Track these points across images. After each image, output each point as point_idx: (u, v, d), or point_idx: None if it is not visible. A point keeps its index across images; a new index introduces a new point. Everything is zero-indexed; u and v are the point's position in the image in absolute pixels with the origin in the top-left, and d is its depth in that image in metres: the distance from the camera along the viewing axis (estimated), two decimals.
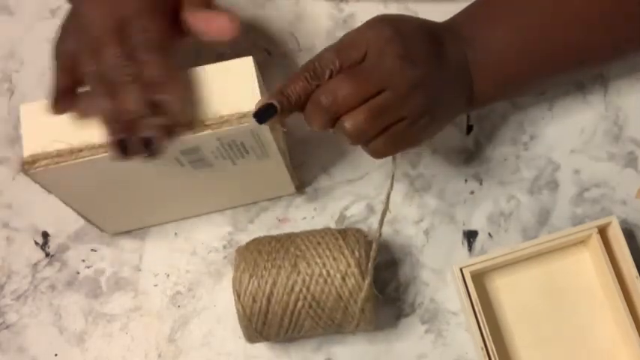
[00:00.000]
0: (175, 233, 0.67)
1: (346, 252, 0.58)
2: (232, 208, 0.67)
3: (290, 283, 0.57)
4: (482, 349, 0.59)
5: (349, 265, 0.57)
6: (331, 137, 0.69)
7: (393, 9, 0.72)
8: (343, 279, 0.57)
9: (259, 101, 0.52)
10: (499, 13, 0.60)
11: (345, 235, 0.59)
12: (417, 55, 0.54)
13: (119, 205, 0.62)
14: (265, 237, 0.61)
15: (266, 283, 0.57)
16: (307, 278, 0.57)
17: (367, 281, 0.57)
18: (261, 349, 0.64)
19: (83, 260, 0.67)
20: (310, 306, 0.57)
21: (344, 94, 0.52)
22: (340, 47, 0.53)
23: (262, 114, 0.52)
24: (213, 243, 0.67)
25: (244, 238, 0.66)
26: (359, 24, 0.71)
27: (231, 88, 0.53)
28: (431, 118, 0.56)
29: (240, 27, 0.54)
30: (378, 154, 0.55)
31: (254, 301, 0.57)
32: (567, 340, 0.63)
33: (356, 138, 0.53)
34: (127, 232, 0.67)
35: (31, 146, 0.53)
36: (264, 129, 0.54)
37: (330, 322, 0.58)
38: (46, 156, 0.52)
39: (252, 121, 0.52)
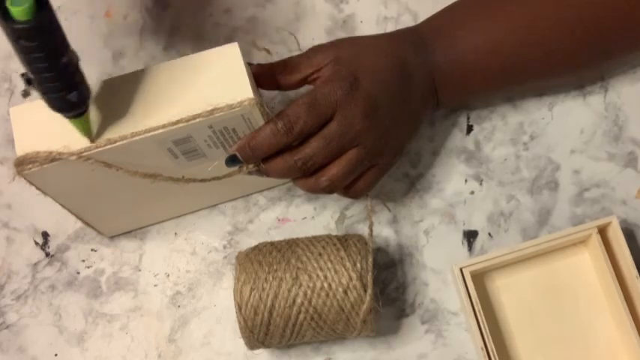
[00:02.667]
0: (175, 233, 0.67)
1: (348, 264, 0.57)
2: (232, 208, 0.67)
3: (292, 296, 0.57)
4: (482, 349, 0.59)
5: (351, 279, 0.57)
6: None
7: (392, 9, 0.72)
8: (345, 292, 0.57)
9: (232, 147, 0.56)
10: (466, 18, 0.62)
11: (347, 245, 0.59)
12: (385, 105, 0.57)
13: (115, 204, 0.62)
14: (266, 245, 0.61)
15: (267, 296, 0.57)
16: (309, 291, 0.57)
17: (369, 293, 0.57)
18: (261, 349, 0.64)
19: (83, 260, 0.67)
20: (312, 318, 0.57)
21: (320, 160, 0.56)
22: (311, 106, 0.55)
23: (229, 161, 0.56)
24: (213, 243, 0.67)
25: (244, 238, 0.67)
26: (359, 24, 0.72)
27: (219, 74, 0.54)
28: (400, 154, 0.61)
29: None
30: (354, 197, 0.60)
31: (255, 313, 0.57)
32: (567, 340, 0.63)
33: (330, 191, 0.58)
34: (127, 232, 0.67)
35: (23, 147, 0.53)
36: (256, 113, 0.54)
37: (331, 332, 0.58)
38: (39, 156, 0.52)
39: (243, 106, 0.53)
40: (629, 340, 0.61)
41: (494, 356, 0.59)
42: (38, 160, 0.52)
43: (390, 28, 0.71)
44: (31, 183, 0.55)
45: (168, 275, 0.66)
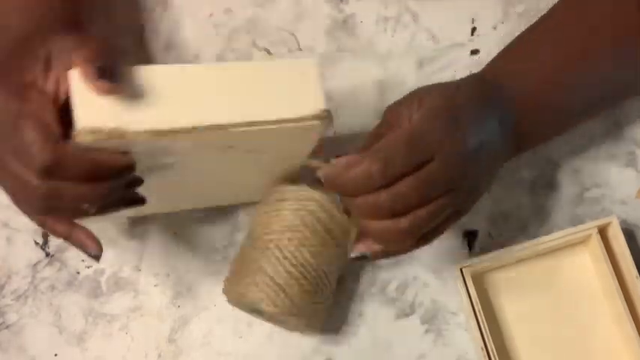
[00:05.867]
0: (175, 233, 0.67)
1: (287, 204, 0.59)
2: (233, 208, 0.67)
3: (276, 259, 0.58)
4: (482, 349, 0.59)
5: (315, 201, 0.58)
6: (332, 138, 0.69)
7: (393, 9, 0.72)
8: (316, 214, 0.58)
9: (319, 172, 0.50)
10: (531, 51, 0.59)
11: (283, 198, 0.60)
12: (482, 147, 0.52)
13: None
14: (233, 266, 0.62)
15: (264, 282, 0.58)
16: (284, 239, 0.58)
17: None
18: (261, 349, 0.64)
19: (83, 260, 0.67)
20: (306, 238, 0.58)
21: (413, 202, 0.49)
22: (410, 146, 0.49)
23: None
24: (213, 243, 0.67)
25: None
26: (359, 24, 0.72)
27: (291, 88, 0.52)
28: (479, 197, 0.54)
29: None
30: (421, 245, 0.53)
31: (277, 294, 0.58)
32: (567, 340, 0.63)
33: (407, 234, 0.50)
34: (128, 232, 0.67)
35: (86, 118, 0.48)
36: (322, 130, 0.53)
37: (330, 240, 0.59)
38: (99, 132, 0.48)
39: (315, 120, 0.52)
40: (629, 340, 0.61)
41: (494, 356, 0.59)
42: (102, 133, 0.48)
43: (390, 28, 0.71)
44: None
45: (169, 275, 0.66)
